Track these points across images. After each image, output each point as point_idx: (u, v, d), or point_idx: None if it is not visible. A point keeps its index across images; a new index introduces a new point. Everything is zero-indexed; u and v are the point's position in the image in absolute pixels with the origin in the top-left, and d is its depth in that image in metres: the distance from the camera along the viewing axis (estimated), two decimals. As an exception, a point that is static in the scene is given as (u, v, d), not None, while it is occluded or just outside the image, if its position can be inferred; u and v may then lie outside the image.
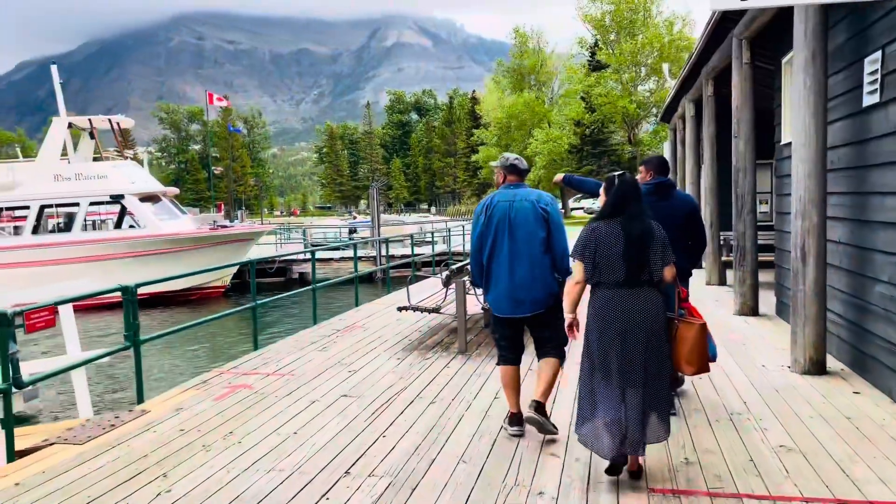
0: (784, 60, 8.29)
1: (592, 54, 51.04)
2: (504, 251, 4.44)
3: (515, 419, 4.55)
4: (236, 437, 4.64)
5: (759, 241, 9.63)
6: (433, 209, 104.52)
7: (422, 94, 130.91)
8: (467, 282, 7.04)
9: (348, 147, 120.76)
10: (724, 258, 11.96)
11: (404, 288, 8.86)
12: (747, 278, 8.92)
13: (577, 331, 3.88)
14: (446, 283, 7.09)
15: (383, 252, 25.16)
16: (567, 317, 3.88)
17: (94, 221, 24.53)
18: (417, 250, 25.83)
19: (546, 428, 4.36)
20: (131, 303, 5.40)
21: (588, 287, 3.78)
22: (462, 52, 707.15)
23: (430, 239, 18.05)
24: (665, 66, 26.65)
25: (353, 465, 4.11)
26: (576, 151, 50.94)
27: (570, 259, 3.91)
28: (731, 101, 9.05)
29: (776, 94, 8.91)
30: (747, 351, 6.91)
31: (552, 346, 4.57)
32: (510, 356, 4.65)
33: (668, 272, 3.73)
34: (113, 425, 4.96)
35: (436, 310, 7.17)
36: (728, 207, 14.08)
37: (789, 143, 7.94)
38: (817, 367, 5.95)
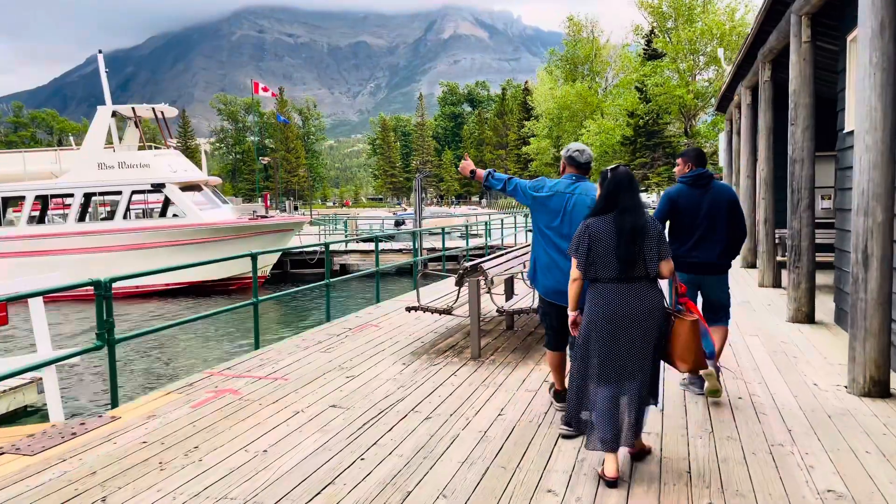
0: (849, 38, 7.36)
1: (648, 42, 49.26)
2: (557, 242, 4.49)
3: (560, 396, 4.84)
4: (199, 454, 4.15)
5: (819, 241, 8.72)
6: (483, 202, 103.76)
7: (475, 85, 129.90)
8: (482, 281, 6.43)
9: (401, 139, 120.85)
10: (779, 258, 10.98)
11: (432, 283, 8.37)
12: (802, 282, 8.03)
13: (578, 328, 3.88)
14: (459, 283, 6.48)
15: (424, 245, 24.69)
16: (569, 314, 3.87)
17: (143, 210, 24.81)
18: (455, 244, 25.26)
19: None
20: (105, 298, 4.97)
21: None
22: (518, 43, 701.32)
23: (465, 232, 17.42)
24: (720, 51, 25.29)
25: (315, 497, 3.56)
26: (629, 143, 49.35)
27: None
28: (788, 86, 8.17)
29: (839, 78, 7.97)
30: (798, 366, 6.09)
31: None
32: (554, 342, 4.77)
33: (665, 267, 3.69)
34: (74, 433, 4.53)
35: (447, 311, 6.58)
36: (785, 203, 13.13)
37: (852, 132, 7.04)
38: (879, 389, 5.13)
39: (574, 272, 3.74)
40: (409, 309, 6.77)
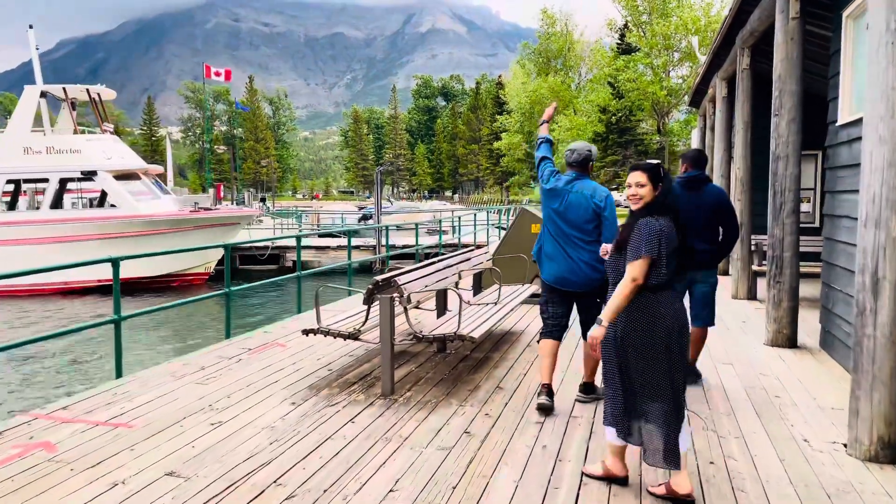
0: (846, 13, 6.21)
1: (622, 37, 48.24)
2: (553, 234, 4.76)
3: (545, 390, 4.74)
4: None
5: (800, 248, 7.60)
6: (456, 196, 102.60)
7: (449, 79, 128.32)
8: (396, 299, 5.16)
9: (374, 132, 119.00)
10: (755, 266, 9.87)
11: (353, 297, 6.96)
12: (784, 299, 6.88)
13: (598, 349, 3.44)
14: (368, 300, 5.19)
15: (382, 241, 23.39)
16: (601, 328, 3.35)
17: (90, 200, 23.08)
18: (430, 240, 23.94)
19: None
20: None
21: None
22: (496, 39, 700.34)
23: (434, 228, 16.05)
24: (694, 40, 24.26)
25: None
26: (600, 140, 48.26)
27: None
28: (771, 76, 7.02)
29: (832, 62, 6.83)
30: (783, 410, 4.91)
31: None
32: (555, 331, 4.82)
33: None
34: None
35: (353, 336, 5.29)
36: (762, 206, 12.03)
37: (852, 122, 5.87)
38: (890, 454, 3.96)
39: (640, 274, 3.28)
40: (305, 332, 5.46)
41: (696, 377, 5.52)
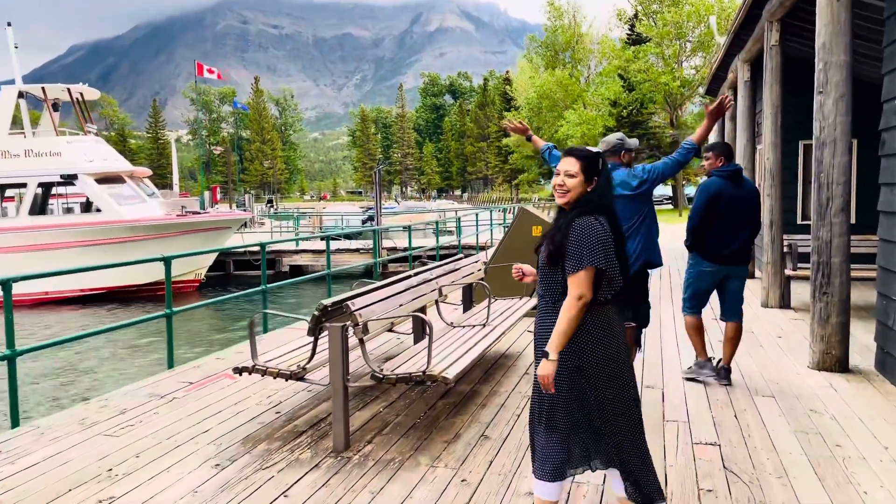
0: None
1: (632, 27, 46.81)
2: None
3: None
4: None
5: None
6: (465, 195, 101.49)
7: (457, 76, 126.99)
8: (351, 328, 4.05)
9: (382, 131, 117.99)
10: (788, 271, 8.69)
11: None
12: (833, 314, 5.72)
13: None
14: (314, 330, 4.09)
15: (382, 245, 22.32)
16: (551, 362, 2.65)
17: (72, 205, 22.16)
18: (431, 242, 22.82)
19: None
20: None
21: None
22: (504, 36, 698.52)
23: (438, 229, 14.90)
24: (712, 19, 22.96)
25: None
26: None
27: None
28: (802, 54, 5.89)
29: (886, 27, 5.67)
30: (848, 468, 3.76)
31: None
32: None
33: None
34: None
35: (295, 375, 4.18)
36: (794, 201, 10.85)
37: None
38: None
39: (586, 289, 2.65)
40: (237, 371, 4.36)
41: (726, 374, 5.40)
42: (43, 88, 20.18)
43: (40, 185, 18.76)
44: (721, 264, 5.24)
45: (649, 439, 4.28)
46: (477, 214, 22.62)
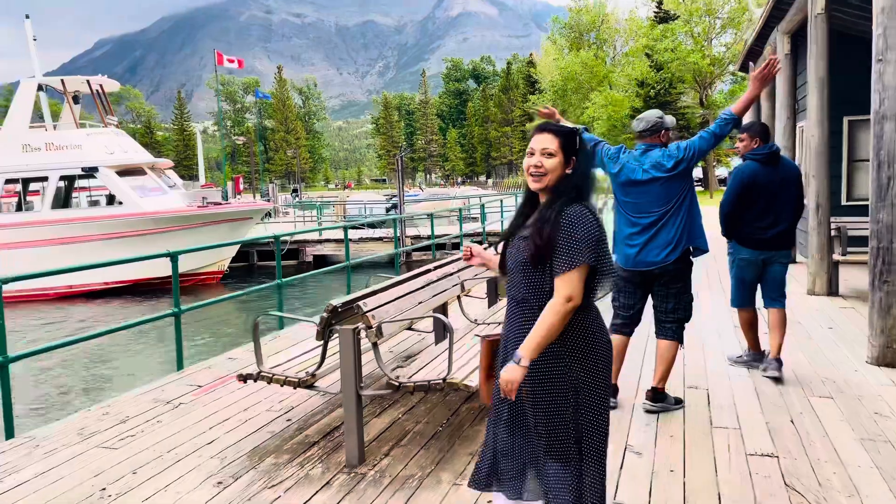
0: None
1: (659, 4, 45.57)
2: (630, 212, 4.29)
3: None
4: None
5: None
6: (490, 181, 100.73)
7: (480, 60, 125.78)
8: (363, 331, 3.67)
9: (405, 118, 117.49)
10: (836, 256, 8.13)
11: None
12: (894, 304, 5.21)
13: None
14: (323, 335, 3.72)
15: (407, 233, 21.99)
16: (521, 368, 2.27)
17: (97, 198, 22.14)
18: (453, 230, 22.43)
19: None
20: None
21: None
22: (528, 19, 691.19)
23: (461, 215, 14.47)
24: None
25: None
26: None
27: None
28: (844, 26, 5.34)
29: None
30: (934, 490, 3.30)
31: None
32: (626, 326, 4.39)
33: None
34: None
35: (304, 383, 3.82)
36: (839, 181, 10.26)
37: None
38: None
39: (577, 291, 2.27)
40: (242, 378, 4.01)
41: (778, 365, 5.00)
42: (62, 81, 20.09)
43: (62, 178, 18.70)
44: (761, 250, 4.92)
45: (696, 447, 3.86)
46: (502, 201, 22.17)
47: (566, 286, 2.25)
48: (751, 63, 14.34)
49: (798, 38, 10.33)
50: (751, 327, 5.18)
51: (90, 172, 18.46)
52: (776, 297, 5.03)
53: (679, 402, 4.48)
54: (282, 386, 3.92)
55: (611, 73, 49.41)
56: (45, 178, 18.62)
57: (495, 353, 2.54)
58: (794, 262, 10.59)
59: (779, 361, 4.99)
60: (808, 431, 4.04)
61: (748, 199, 4.83)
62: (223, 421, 4.48)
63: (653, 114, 4.30)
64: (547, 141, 2.35)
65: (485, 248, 2.80)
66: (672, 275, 4.21)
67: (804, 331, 6.43)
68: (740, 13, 41.24)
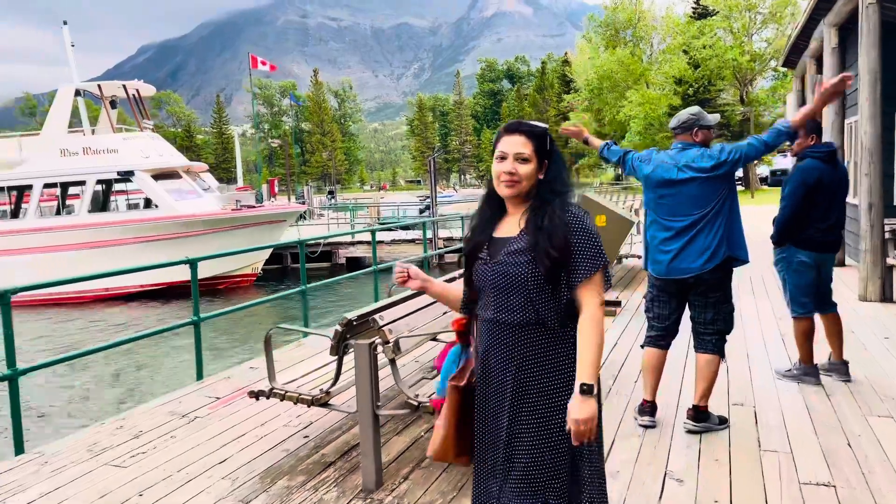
0: None
1: (697, 1, 44.57)
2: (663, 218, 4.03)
3: (648, 408, 4.14)
4: None
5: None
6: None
7: (514, 60, 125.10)
8: (380, 346, 3.44)
9: (439, 119, 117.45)
10: (891, 260, 7.66)
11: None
12: (961, 315, 4.79)
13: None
14: (338, 348, 3.50)
15: (440, 235, 21.80)
16: (593, 399, 2.02)
17: (136, 201, 22.43)
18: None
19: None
20: None
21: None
22: (563, 18, 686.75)
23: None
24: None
25: None
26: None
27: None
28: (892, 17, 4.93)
29: None
30: None
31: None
32: (661, 339, 4.12)
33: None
34: None
35: (318, 401, 3.60)
36: (889, 180, 9.73)
37: None
38: None
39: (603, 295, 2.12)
40: (254, 395, 3.82)
41: (845, 369, 4.92)
42: (99, 86, 20.39)
43: (99, 182, 18.95)
44: (820, 252, 4.72)
45: (743, 474, 3.54)
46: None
47: (597, 290, 2.07)
48: (819, 75, 13.81)
49: (845, 32, 9.83)
50: (807, 338, 4.82)
51: (126, 176, 18.68)
52: (830, 302, 4.89)
53: (724, 422, 4.16)
54: (295, 404, 3.71)
55: (647, 71, 48.54)
56: (82, 183, 18.90)
57: (466, 401, 2.25)
58: (840, 265, 10.10)
59: (845, 364, 4.91)
60: (867, 455, 3.69)
61: (812, 200, 4.61)
62: (238, 437, 4.29)
63: (687, 111, 4.13)
64: (520, 144, 2.11)
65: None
66: (709, 284, 3.92)
67: (857, 341, 6.01)
68: (782, 7, 40.11)
